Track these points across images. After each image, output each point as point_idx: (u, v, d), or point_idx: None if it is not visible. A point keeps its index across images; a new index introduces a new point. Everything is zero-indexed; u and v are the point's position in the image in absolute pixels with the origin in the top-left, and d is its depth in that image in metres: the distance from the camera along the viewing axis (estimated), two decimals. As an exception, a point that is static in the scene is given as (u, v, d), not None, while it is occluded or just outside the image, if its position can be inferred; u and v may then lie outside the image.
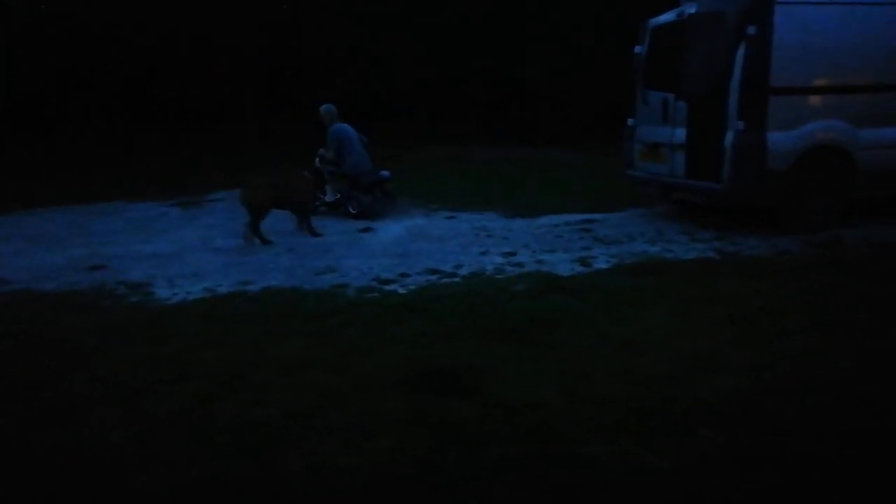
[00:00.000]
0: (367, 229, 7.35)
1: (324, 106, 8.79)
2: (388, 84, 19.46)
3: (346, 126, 8.51)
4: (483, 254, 5.82)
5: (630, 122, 7.53)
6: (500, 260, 5.56)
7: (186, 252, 6.31)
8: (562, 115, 18.95)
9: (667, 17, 7.01)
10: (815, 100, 6.15)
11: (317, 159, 8.62)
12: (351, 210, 8.23)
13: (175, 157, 15.67)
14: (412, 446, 2.59)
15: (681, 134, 6.53)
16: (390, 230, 7.23)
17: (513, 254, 5.76)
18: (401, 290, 4.79)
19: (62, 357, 3.56)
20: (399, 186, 10.30)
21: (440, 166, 13.52)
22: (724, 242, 5.95)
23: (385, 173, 8.56)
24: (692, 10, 6.52)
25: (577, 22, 18.54)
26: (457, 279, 5.04)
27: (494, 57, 19.29)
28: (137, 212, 8.99)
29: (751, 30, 5.84)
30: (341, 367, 3.37)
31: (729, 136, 5.98)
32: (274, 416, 2.85)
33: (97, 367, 3.44)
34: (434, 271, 5.28)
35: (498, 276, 5.06)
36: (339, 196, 8.48)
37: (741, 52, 5.90)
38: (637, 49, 7.44)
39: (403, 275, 5.21)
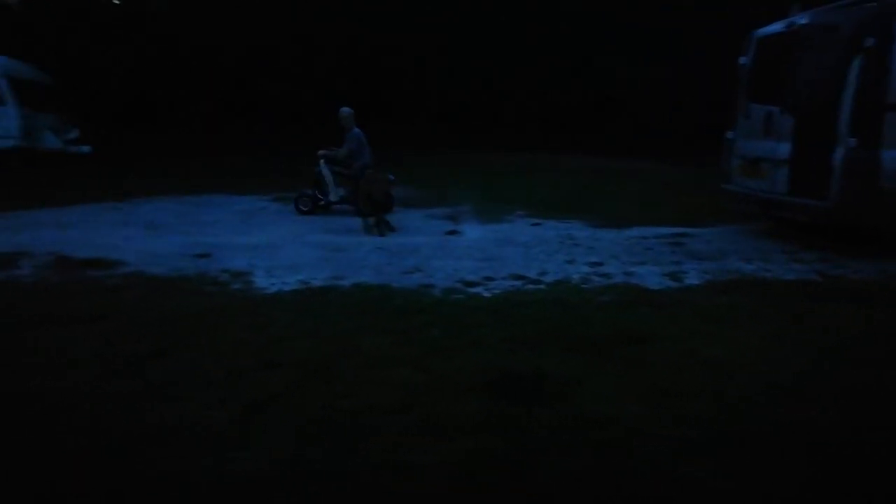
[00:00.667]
0: (453, 232, 7.46)
1: (344, 108, 9.04)
2: (477, 92, 19.60)
3: (360, 131, 8.91)
4: (569, 262, 5.79)
5: (729, 135, 7.27)
6: (586, 269, 5.51)
7: (283, 245, 6.62)
8: (654, 126, 18.50)
9: (775, 27, 6.73)
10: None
11: (321, 160, 8.94)
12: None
13: (275, 155, 16.39)
14: (490, 449, 2.62)
15: (785, 149, 6.25)
16: (476, 234, 7.31)
17: (600, 264, 5.69)
18: (485, 294, 4.84)
19: (168, 337, 3.83)
20: (481, 193, 10.37)
21: (526, 174, 13.50)
22: (828, 264, 5.65)
23: (389, 176, 8.68)
24: (803, 21, 6.23)
25: (672, 31, 18.04)
26: (541, 286, 5.04)
27: (586, 66, 19.07)
28: (240, 205, 9.51)
29: (868, 41, 5.53)
30: (425, 365, 3.45)
31: (839, 153, 5.67)
32: (360, 409, 2.96)
33: (200, 349, 3.68)
34: (519, 277, 5.30)
35: (584, 286, 5.02)
36: (342, 196, 8.83)
37: (856, 64, 5.58)
38: (741, 60, 7.17)
39: (488, 278, 5.26)
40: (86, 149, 16.30)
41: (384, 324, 4.12)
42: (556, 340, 3.77)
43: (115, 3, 22.74)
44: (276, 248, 6.49)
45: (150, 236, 7.20)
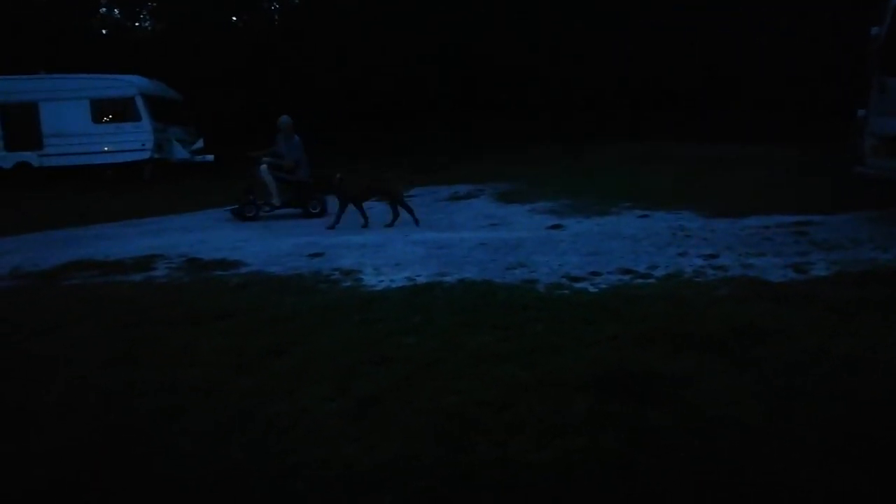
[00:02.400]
0: (556, 226, 7.35)
1: (284, 117, 9.52)
2: (578, 82, 19.17)
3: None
4: (681, 255, 5.54)
5: (861, 113, 6.67)
6: (699, 262, 5.25)
7: (389, 243, 6.80)
8: (772, 107, 17.30)
9: (914, -10, 6.09)
10: None
11: (263, 166, 9.28)
12: (312, 210, 9.40)
13: (375, 156, 16.86)
14: (600, 449, 2.56)
15: (928, 125, 5.65)
16: (580, 228, 7.16)
17: (714, 256, 5.41)
18: (591, 289, 4.73)
19: (286, 334, 4.04)
20: (585, 185, 10.14)
21: (635, 163, 13.05)
22: (982, 253, 5.06)
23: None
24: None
25: (790, 4, 16.77)
26: (651, 280, 4.86)
27: (699, 49, 18.15)
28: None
29: None
30: (530, 362, 3.42)
31: None
32: (467, 405, 2.98)
33: (315, 345, 3.85)
34: (627, 271, 5.14)
35: (697, 280, 4.78)
36: (285, 200, 9.44)
37: None
38: (874, 30, 6.55)
39: (594, 273, 5.14)
40: (209, 158, 17.55)
41: (488, 320, 4.13)
42: (668, 337, 3.62)
43: (233, 22, 24.29)
44: (382, 246, 6.67)
45: (270, 237, 7.63)
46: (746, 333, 3.60)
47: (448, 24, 19.76)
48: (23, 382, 3.48)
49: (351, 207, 8.36)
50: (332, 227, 8.06)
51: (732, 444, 2.55)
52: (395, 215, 8.34)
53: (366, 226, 8.18)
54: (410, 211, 8.32)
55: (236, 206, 9.61)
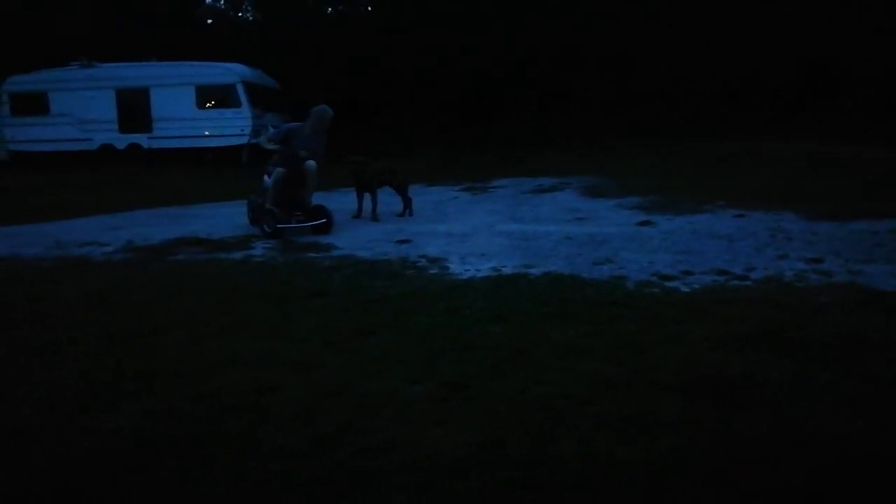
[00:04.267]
0: (645, 223, 7.17)
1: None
2: (684, 73, 18.46)
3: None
4: (781, 258, 5.28)
5: None
6: (801, 266, 4.99)
7: (475, 233, 6.85)
8: (883, 106, 16.06)
9: None
10: None
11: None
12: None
13: (463, 148, 16.95)
14: (688, 451, 2.50)
15: None
16: (671, 225, 6.95)
17: (819, 260, 5.12)
18: (683, 289, 4.60)
19: (375, 316, 4.16)
20: (677, 181, 9.81)
21: (731, 160, 12.50)
22: None
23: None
24: None
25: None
26: (748, 283, 4.67)
27: (803, 42, 17.07)
28: (434, 195, 9.99)
29: None
30: (617, 359, 3.37)
31: None
32: (552, 397, 2.98)
33: (403, 329, 3.94)
34: (721, 272, 4.96)
35: (799, 285, 4.55)
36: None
37: None
38: None
39: (686, 272, 4.99)
40: (302, 143, 18.16)
41: (574, 314, 4.09)
42: (765, 342, 3.47)
43: (329, 13, 24.97)
44: (468, 236, 6.73)
45: (358, 222, 7.84)
46: (853, 342, 3.40)
47: (536, 16, 19.53)
48: (131, 350, 3.75)
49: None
50: (356, 216, 7.97)
51: (828, 459, 2.43)
52: (405, 205, 8.19)
53: (357, 216, 7.95)
54: (408, 202, 8.18)
55: None
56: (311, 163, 7.26)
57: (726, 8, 17.70)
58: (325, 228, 7.12)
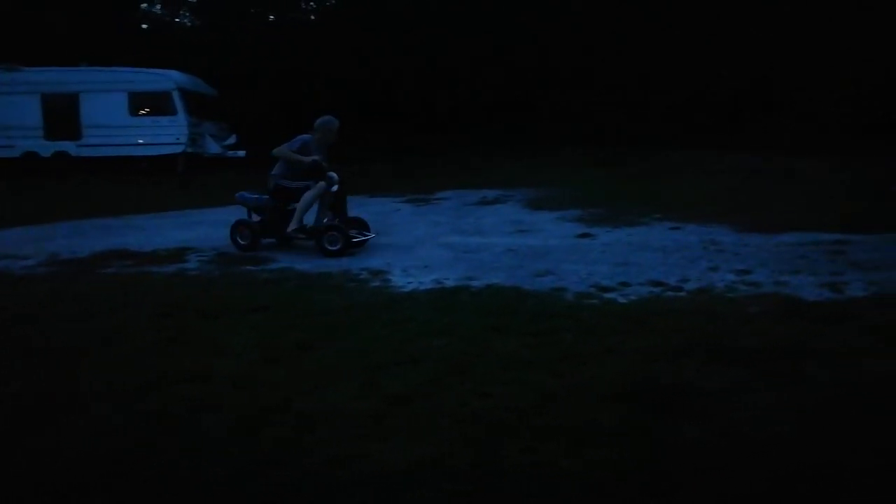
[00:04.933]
0: (585, 235, 7.31)
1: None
2: (626, 87, 18.97)
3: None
4: (712, 269, 5.47)
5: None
6: (732, 277, 5.18)
7: (418, 245, 6.82)
8: (813, 121, 16.97)
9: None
10: None
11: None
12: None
13: (410, 158, 16.93)
14: (628, 461, 2.54)
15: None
16: (610, 238, 7.10)
17: (747, 272, 5.33)
18: (621, 300, 4.70)
19: (315, 330, 4.08)
20: (615, 194, 10.07)
21: (666, 173, 12.92)
22: None
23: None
24: None
25: (830, 9, 16.40)
26: (682, 294, 4.81)
27: (732, 56, 17.86)
28: (377, 206, 9.91)
29: None
30: (559, 370, 3.41)
31: None
32: (495, 410, 2.98)
33: (342, 342, 3.88)
34: (657, 283, 5.09)
35: (730, 295, 4.72)
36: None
37: None
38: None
39: (624, 284, 5.10)
40: (241, 153, 17.79)
41: (517, 326, 4.12)
42: (700, 352, 3.58)
43: (271, 21, 24.60)
44: (411, 248, 6.69)
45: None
46: (783, 351, 3.54)
47: (486, 27, 19.78)
48: (57, 369, 3.56)
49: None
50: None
51: (767, 462, 2.51)
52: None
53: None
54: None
55: None
56: (334, 174, 6.90)
57: (671, 24, 18.36)
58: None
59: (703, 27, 17.83)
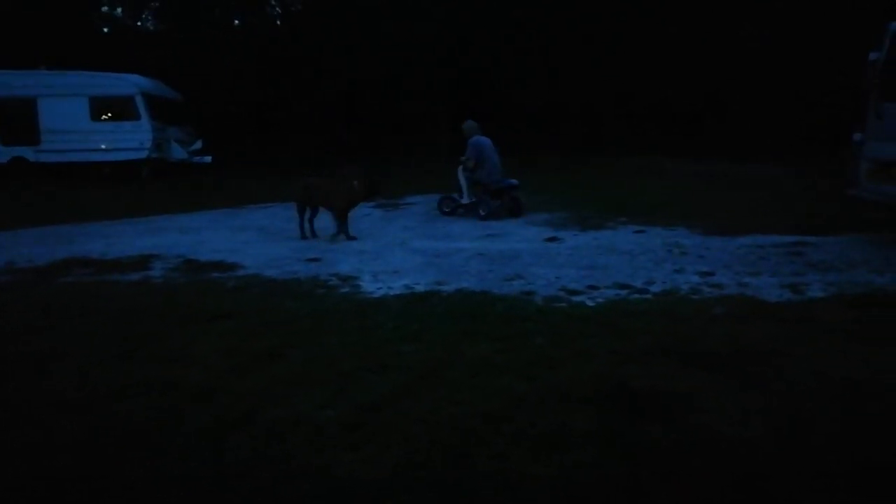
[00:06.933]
0: (553, 239, 7.37)
1: (466, 122, 9.80)
2: (577, 95, 19.25)
3: (484, 139, 9.36)
4: (677, 272, 5.56)
5: (857, 137, 6.74)
6: (696, 279, 5.28)
7: (387, 250, 6.80)
8: (768, 127, 17.46)
9: (915, 17, 6.18)
10: None
11: (460, 167, 9.51)
12: (481, 212, 9.11)
13: (378, 164, 16.86)
14: (601, 464, 2.56)
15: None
16: (577, 241, 7.18)
17: (711, 274, 5.43)
18: (589, 303, 4.74)
19: (284, 337, 4.02)
20: (582, 199, 10.19)
21: (630, 178, 13.12)
22: (976, 278, 5.10)
23: (513, 181, 9.44)
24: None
25: (788, 23, 16.94)
26: (648, 296, 4.88)
27: (691, 66, 18.31)
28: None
29: None
30: (529, 374, 3.42)
31: None
32: (465, 416, 2.97)
33: (311, 349, 3.83)
34: (624, 286, 5.16)
35: (694, 297, 4.80)
36: (473, 200, 9.38)
37: None
38: (872, 55, 6.63)
39: (592, 287, 5.15)
40: (207, 159, 17.52)
41: (487, 330, 4.13)
42: (668, 354, 3.63)
43: (236, 24, 24.37)
44: (380, 253, 6.67)
45: (265, 241, 7.60)
46: (748, 352, 3.61)
47: (447, 31, 19.84)
48: (13, 381, 3.45)
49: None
50: (301, 236, 7.69)
51: (735, 463, 2.55)
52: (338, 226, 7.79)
53: (302, 236, 7.71)
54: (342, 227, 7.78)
55: (439, 200, 9.87)
56: (459, 167, 9.59)
57: (634, 35, 18.66)
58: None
59: (663, 39, 18.20)
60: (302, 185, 7.87)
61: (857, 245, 6.48)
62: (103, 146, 16.72)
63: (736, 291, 4.92)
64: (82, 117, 16.75)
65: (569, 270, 5.74)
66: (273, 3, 25.48)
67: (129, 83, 16.93)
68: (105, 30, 25.68)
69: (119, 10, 26.15)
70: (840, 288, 4.92)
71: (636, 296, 4.90)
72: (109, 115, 17.05)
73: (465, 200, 9.51)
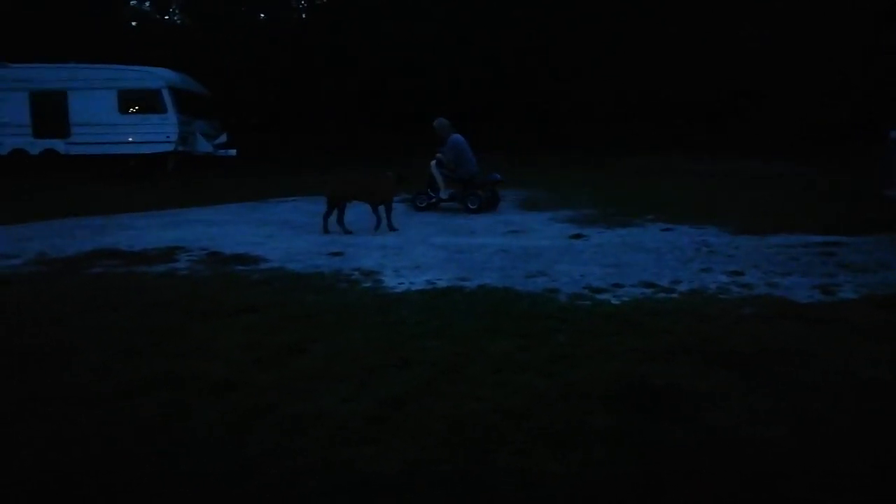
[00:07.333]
0: (578, 236, 7.30)
1: (437, 120, 9.97)
2: (603, 92, 19.09)
3: (459, 137, 9.65)
4: (705, 271, 5.48)
5: (894, 134, 6.57)
6: (724, 279, 5.19)
7: (409, 246, 6.80)
8: (796, 125, 17.13)
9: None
10: None
11: (433, 162, 9.79)
12: (470, 206, 9.43)
13: (402, 159, 16.88)
14: (622, 464, 2.53)
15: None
16: (602, 239, 7.11)
17: (739, 273, 5.34)
18: (613, 301, 4.69)
19: (307, 331, 4.04)
20: (608, 196, 10.10)
21: (656, 175, 12.96)
22: None
23: (496, 176, 9.78)
24: None
25: (814, 13, 16.58)
26: (674, 295, 4.81)
27: (714, 63, 18.03)
28: (366, 206, 9.85)
29: None
30: (551, 372, 3.39)
31: None
32: (487, 412, 2.96)
33: (334, 344, 3.84)
34: (649, 285, 5.09)
35: (722, 297, 4.72)
36: (451, 193, 9.71)
37: None
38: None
39: (616, 285, 5.09)
40: (232, 152, 17.70)
41: (509, 327, 4.10)
42: (692, 353, 3.57)
43: (261, 18, 24.56)
44: (403, 249, 6.67)
45: (287, 235, 7.65)
46: (774, 353, 3.54)
47: (475, 30, 19.78)
48: (40, 369, 3.50)
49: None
50: (324, 231, 7.79)
51: (754, 463, 2.50)
52: (379, 219, 8.00)
53: (325, 231, 7.78)
54: (385, 218, 8.02)
55: (412, 196, 10.01)
56: (432, 162, 9.86)
57: (650, 31, 18.45)
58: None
59: (685, 37, 17.96)
60: (340, 181, 8.16)
61: (889, 246, 6.32)
62: (131, 139, 16.97)
63: (765, 292, 4.82)
64: (111, 110, 17.02)
65: (593, 268, 5.69)
66: (299, -4, 25.66)
67: (156, 77, 17.15)
68: (133, 23, 26.04)
69: (147, 4, 26.50)
70: (873, 289, 4.80)
71: (662, 295, 4.83)
72: (137, 108, 17.30)
73: (443, 195, 9.75)
